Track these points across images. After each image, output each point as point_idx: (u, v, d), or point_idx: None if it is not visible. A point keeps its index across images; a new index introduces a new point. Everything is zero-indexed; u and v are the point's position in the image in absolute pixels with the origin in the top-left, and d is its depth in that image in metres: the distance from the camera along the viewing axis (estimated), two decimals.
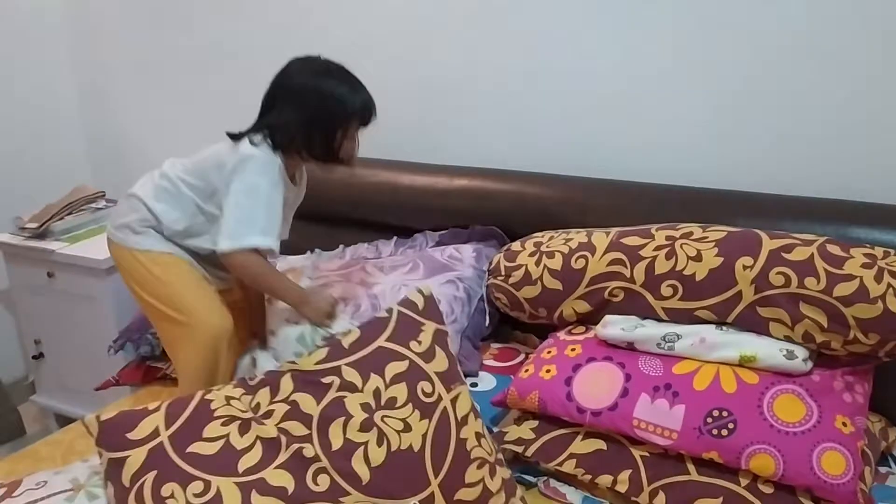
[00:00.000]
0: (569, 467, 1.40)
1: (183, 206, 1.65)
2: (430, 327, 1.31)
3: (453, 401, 1.26)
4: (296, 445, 1.16)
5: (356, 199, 2.18)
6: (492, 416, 1.61)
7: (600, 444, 1.41)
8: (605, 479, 1.36)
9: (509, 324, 1.93)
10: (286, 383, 1.22)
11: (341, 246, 2.20)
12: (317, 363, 1.23)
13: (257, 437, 1.17)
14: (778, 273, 1.41)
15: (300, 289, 1.65)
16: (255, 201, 1.55)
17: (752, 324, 1.45)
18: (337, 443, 1.17)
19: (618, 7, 1.87)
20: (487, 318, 1.87)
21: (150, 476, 1.12)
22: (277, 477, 1.13)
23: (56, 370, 2.58)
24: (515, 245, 1.80)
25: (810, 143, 1.74)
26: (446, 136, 2.19)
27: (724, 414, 1.31)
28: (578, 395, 1.44)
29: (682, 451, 1.33)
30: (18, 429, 2.62)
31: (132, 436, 1.16)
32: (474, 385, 1.70)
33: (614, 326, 1.52)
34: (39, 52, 2.77)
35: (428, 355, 1.28)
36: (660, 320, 1.54)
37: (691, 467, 1.33)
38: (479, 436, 1.27)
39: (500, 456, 1.33)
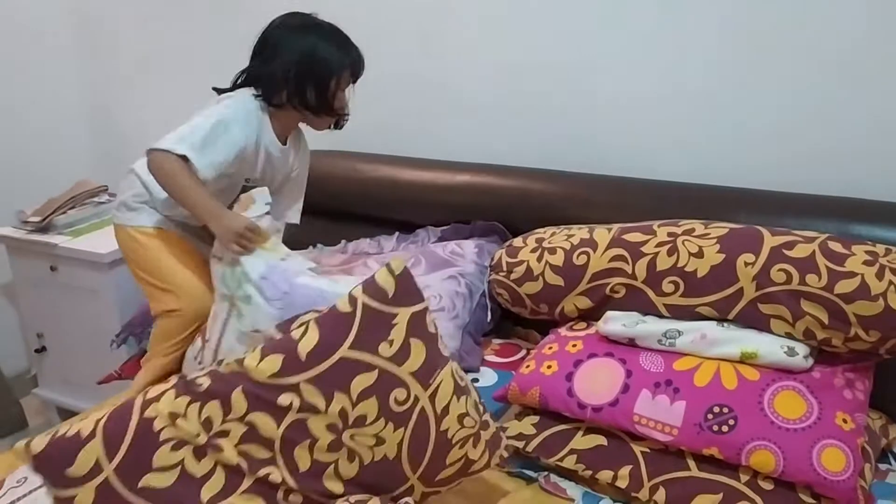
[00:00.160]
0: (569, 463, 1.40)
1: None
2: (403, 316, 1.14)
3: (432, 396, 1.15)
4: (261, 471, 1.08)
5: (358, 194, 2.18)
6: (493, 411, 1.61)
7: (601, 440, 1.41)
8: (605, 475, 1.37)
9: (511, 319, 1.93)
10: (238, 400, 1.08)
11: (343, 241, 2.20)
12: (270, 376, 1.09)
13: (217, 462, 1.07)
14: (779, 270, 1.41)
15: (215, 204, 1.54)
16: (203, 122, 1.52)
17: (753, 320, 1.45)
18: (304, 465, 1.09)
19: (620, 5, 1.87)
20: (489, 313, 1.88)
21: None
22: (246, 502, 1.07)
23: (58, 364, 2.59)
24: (517, 241, 1.81)
25: (812, 140, 1.74)
26: (448, 131, 2.20)
27: (725, 410, 1.31)
28: (579, 391, 1.44)
29: (683, 447, 1.33)
30: (20, 422, 2.63)
31: (73, 472, 1.05)
32: (476, 381, 1.70)
33: (615, 322, 1.53)
34: (43, 48, 2.78)
35: (401, 356, 1.13)
36: (661, 316, 1.54)
37: (692, 463, 1.33)
38: (462, 416, 1.19)
39: (487, 417, 1.28)
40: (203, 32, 2.55)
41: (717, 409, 1.32)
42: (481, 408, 1.27)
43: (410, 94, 2.22)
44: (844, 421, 1.28)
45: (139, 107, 2.81)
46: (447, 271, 1.88)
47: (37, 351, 2.60)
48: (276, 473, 1.08)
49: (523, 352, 1.82)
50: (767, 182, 1.75)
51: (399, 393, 1.12)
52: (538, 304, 1.72)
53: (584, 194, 1.89)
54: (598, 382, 1.44)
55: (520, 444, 1.45)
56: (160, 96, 2.73)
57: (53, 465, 1.05)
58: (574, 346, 1.55)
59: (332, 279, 1.58)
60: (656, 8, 1.83)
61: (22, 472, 1.34)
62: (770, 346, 1.39)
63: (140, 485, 1.04)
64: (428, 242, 2.06)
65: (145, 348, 1.99)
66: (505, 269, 1.76)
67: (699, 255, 1.50)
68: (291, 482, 1.08)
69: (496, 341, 1.89)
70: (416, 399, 1.13)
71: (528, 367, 1.56)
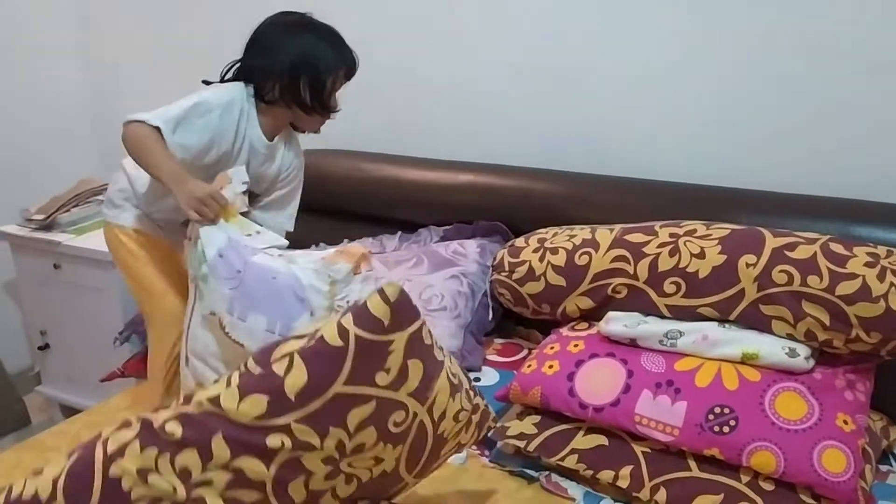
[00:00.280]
0: (570, 462, 1.40)
1: None
2: (400, 342, 1.02)
3: (430, 407, 1.09)
4: None
5: (361, 194, 2.18)
6: (494, 410, 1.61)
7: (602, 440, 1.42)
8: (606, 475, 1.37)
9: (512, 319, 1.93)
10: (220, 447, 0.95)
11: (345, 240, 2.20)
12: (255, 418, 0.96)
13: None
14: (781, 271, 1.41)
15: (180, 170, 1.46)
16: (184, 101, 1.50)
17: (754, 321, 1.45)
18: (300, 497, 1.01)
19: (624, 5, 1.87)
20: (491, 313, 1.88)
21: None
22: None
23: (62, 361, 2.60)
24: (519, 241, 1.81)
25: (814, 141, 1.74)
26: (451, 131, 2.20)
27: (726, 411, 1.32)
28: (581, 391, 1.45)
29: (684, 447, 1.34)
30: (24, 419, 2.64)
31: None
32: (477, 380, 1.70)
33: (617, 323, 1.53)
34: (47, 47, 2.78)
35: (399, 381, 1.02)
36: (662, 317, 1.55)
37: (692, 464, 1.33)
38: (457, 413, 1.15)
39: (477, 400, 1.23)
40: (205, 31, 2.55)
41: (718, 410, 1.32)
42: (471, 393, 1.22)
43: (414, 94, 2.22)
44: (845, 422, 1.29)
45: (142, 106, 2.81)
46: (449, 271, 1.89)
47: (40, 348, 2.61)
48: None
49: (525, 351, 1.82)
50: (769, 183, 1.75)
51: (398, 415, 1.04)
52: (540, 304, 1.73)
53: (586, 195, 1.89)
54: (599, 382, 1.45)
55: (521, 444, 1.46)
56: (163, 95, 2.73)
57: None
58: (576, 346, 1.56)
59: (290, 257, 1.51)
60: (661, 9, 1.83)
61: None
62: (771, 347, 1.40)
63: None
64: (430, 242, 2.07)
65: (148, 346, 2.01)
66: (507, 268, 1.76)
67: (701, 255, 1.50)
68: None
69: (498, 341, 1.90)
70: (415, 415, 1.07)
71: (529, 366, 1.56)
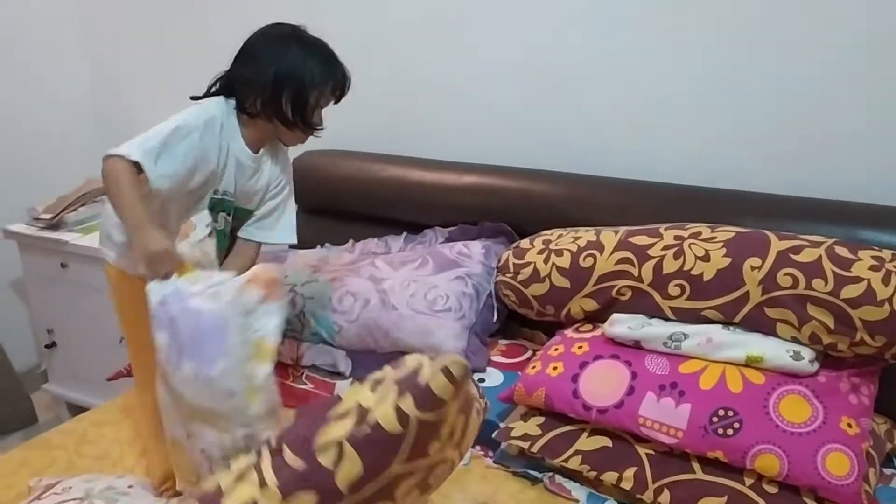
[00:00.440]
0: (574, 464, 1.41)
1: None
2: (454, 405, 0.93)
3: (465, 446, 1.04)
4: None
5: (366, 195, 2.19)
6: (498, 411, 1.62)
7: (606, 442, 1.42)
8: (610, 476, 1.37)
9: (517, 320, 1.94)
10: None
11: (350, 241, 2.21)
12: None
13: None
14: (786, 274, 1.41)
15: (143, 217, 1.38)
16: (163, 127, 1.44)
17: (759, 324, 1.45)
18: None
19: (627, 7, 1.87)
20: (495, 314, 1.88)
21: None
22: None
23: (68, 359, 2.61)
24: (524, 242, 1.81)
25: (819, 144, 1.74)
26: (456, 132, 2.20)
27: (730, 413, 1.32)
28: (585, 393, 1.45)
29: (688, 449, 1.34)
30: (30, 416, 2.65)
31: None
32: (482, 381, 1.71)
33: (621, 325, 1.53)
34: (53, 46, 2.80)
35: (450, 442, 0.97)
36: (667, 319, 1.55)
37: (696, 466, 1.33)
38: (475, 429, 1.09)
39: (481, 403, 1.16)
40: (208, 32, 2.56)
41: (722, 413, 1.33)
42: (481, 402, 1.15)
43: (418, 95, 2.23)
44: (849, 425, 1.29)
45: (148, 105, 2.82)
46: (454, 272, 1.89)
47: (47, 347, 2.62)
48: None
49: (529, 353, 1.83)
50: (774, 185, 1.75)
51: (441, 469, 0.99)
52: (544, 306, 1.73)
53: (591, 196, 1.89)
54: (603, 384, 1.45)
55: (525, 445, 1.46)
56: (168, 95, 2.74)
57: None
58: (580, 347, 1.56)
59: (217, 292, 1.34)
60: (662, 9, 1.83)
61: (70, 482, 1.37)
62: (776, 350, 1.40)
63: None
64: (435, 243, 2.07)
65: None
66: (512, 270, 1.77)
67: (706, 258, 1.50)
68: None
69: (502, 342, 1.90)
70: (454, 462, 1.02)
71: (533, 368, 1.57)
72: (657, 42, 1.86)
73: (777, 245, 1.46)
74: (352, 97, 2.31)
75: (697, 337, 1.45)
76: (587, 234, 1.71)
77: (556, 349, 1.59)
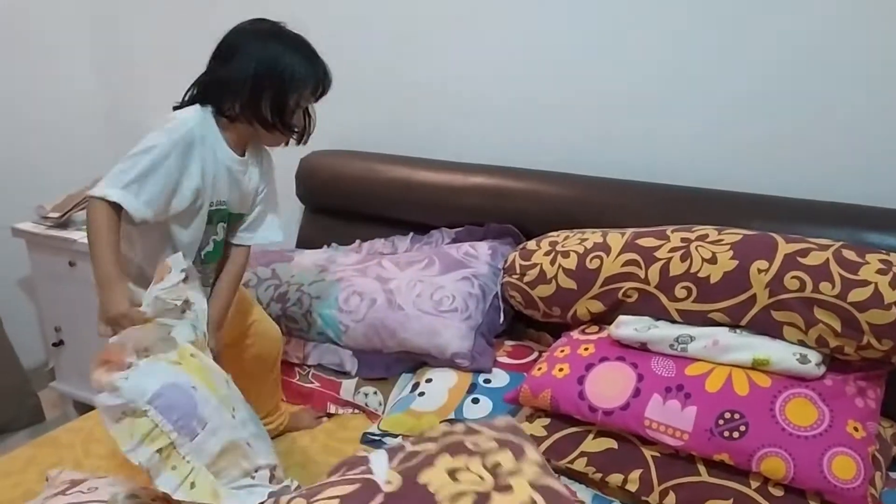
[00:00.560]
0: (580, 465, 1.41)
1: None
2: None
3: None
4: None
5: (373, 195, 2.19)
6: (504, 412, 1.62)
7: (611, 443, 1.42)
8: (615, 478, 1.38)
9: (523, 321, 1.94)
10: None
11: (357, 241, 2.22)
12: None
13: None
14: (793, 277, 1.41)
15: (113, 276, 1.34)
16: (141, 155, 1.37)
17: (765, 327, 1.45)
18: None
19: (634, 8, 1.87)
20: (502, 315, 1.88)
21: None
22: None
23: (76, 358, 2.62)
24: (531, 244, 1.82)
25: (828, 147, 1.73)
26: (462, 133, 2.20)
27: (736, 416, 1.32)
28: (591, 394, 1.45)
29: (693, 451, 1.34)
30: (38, 415, 2.67)
31: None
32: (488, 381, 1.71)
33: (627, 327, 1.53)
34: (62, 44, 2.81)
35: None
36: (673, 321, 1.55)
37: (702, 468, 1.34)
38: None
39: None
40: (218, 31, 2.56)
41: (728, 415, 1.33)
42: None
43: (426, 96, 2.23)
44: (855, 429, 1.29)
45: (156, 104, 2.83)
46: (461, 272, 1.89)
47: (54, 345, 2.63)
48: None
49: (535, 354, 1.83)
50: (782, 188, 1.75)
51: None
52: (551, 307, 1.73)
53: (597, 198, 1.89)
54: (609, 386, 1.45)
55: None
56: (177, 93, 2.75)
57: None
58: (586, 349, 1.56)
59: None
60: (672, 13, 1.83)
61: (95, 483, 1.37)
62: (782, 353, 1.39)
63: None
64: (442, 244, 2.07)
65: None
66: (518, 271, 1.77)
67: (712, 261, 1.50)
68: None
69: (508, 343, 1.90)
70: None
71: (539, 369, 1.57)
72: (666, 44, 1.85)
73: (784, 248, 1.46)
74: (359, 97, 2.33)
75: (704, 339, 1.45)
76: (594, 236, 1.71)
77: (563, 351, 1.59)
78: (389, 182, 2.16)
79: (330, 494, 1.05)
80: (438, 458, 1.08)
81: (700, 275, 1.51)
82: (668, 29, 1.84)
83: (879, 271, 1.36)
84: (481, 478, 1.02)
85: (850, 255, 1.41)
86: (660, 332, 1.50)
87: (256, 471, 1.33)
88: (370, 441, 1.67)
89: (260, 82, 1.44)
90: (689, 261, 1.53)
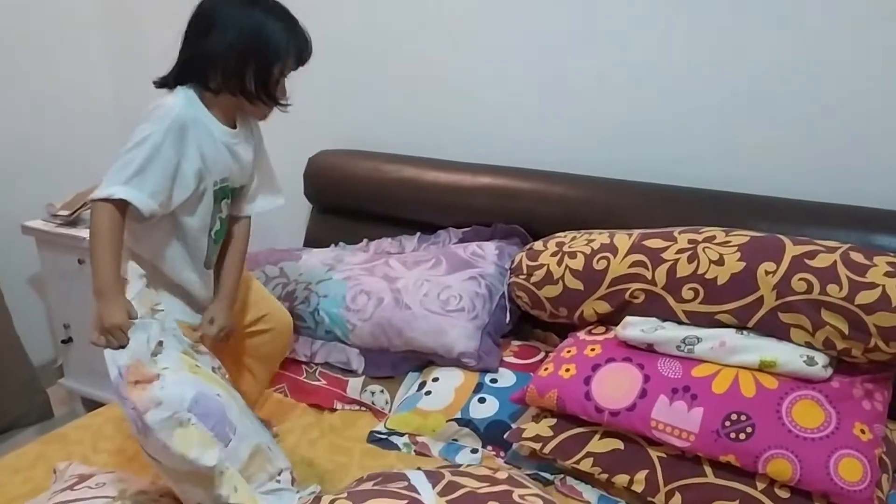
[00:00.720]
0: (586, 466, 1.41)
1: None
2: None
3: None
4: None
5: (380, 195, 2.20)
6: (510, 412, 1.63)
7: (618, 444, 1.42)
8: (621, 479, 1.38)
9: (530, 322, 1.94)
10: None
11: (365, 240, 2.22)
12: None
13: None
14: (800, 279, 1.41)
15: (111, 284, 1.35)
16: (135, 151, 1.35)
17: (772, 329, 1.45)
18: None
19: (641, 9, 1.87)
20: (508, 315, 1.89)
21: None
22: None
23: (84, 355, 2.63)
24: (538, 244, 1.82)
25: (835, 149, 1.73)
26: (470, 133, 2.21)
27: (743, 418, 1.32)
28: (597, 395, 1.45)
29: (700, 453, 1.34)
30: (47, 411, 2.68)
31: None
32: (494, 381, 1.71)
33: (634, 328, 1.53)
34: (74, 43, 2.82)
35: None
36: (680, 323, 1.55)
37: (708, 469, 1.34)
38: None
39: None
40: None
41: (734, 417, 1.33)
42: None
43: (433, 96, 2.23)
44: (862, 431, 1.29)
45: None
46: (468, 272, 1.90)
47: (63, 342, 2.64)
48: None
49: (542, 354, 1.83)
50: (790, 190, 1.75)
51: None
52: (557, 308, 1.74)
53: (605, 199, 1.89)
54: (615, 387, 1.45)
55: (536, 446, 1.47)
56: None
57: None
58: (592, 350, 1.56)
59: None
60: (679, 14, 1.83)
61: (104, 478, 1.38)
62: (789, 355, 1.39)
63: None
64: (449, 243, 2.08)
65: None
66: (525, 271, 1.77)
67: (720, 262, 1.50)
68: None
69: (515, 343, 1.90)
70: None
71: (546, 369, 1.57)
72: (675, 45, 1.85)
73: (792, 250, 1.46)
74: (367, 97, 2.34)
75: (711, 341, 1.45)
76: (601, 237, 1.71)
77: (569, 351, 1.59)
78: (397, 182, 2.16)
79: (377, 503, 1.05)
80: (489, 502, 1.09)
81: (707, 276, 1.51)
82: (677, 32, 1.84)
83: (887, 274, 1.36)
84: None
85: (857, 257, 1.41)
86: (666, 333, 1.50)
87: (279, 474, 1.34)
88: (376, 439, 1.67)
89: (243, 54, 1.40)
90: (696, 262, 1.53)
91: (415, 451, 1.63)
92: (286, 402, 1.86)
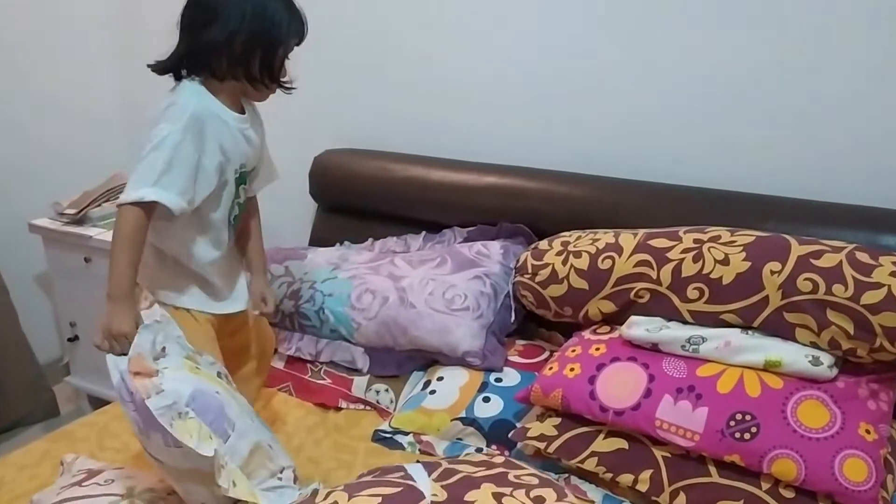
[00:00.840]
0: (590, 465, 1.41)
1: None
2: None
3: None
4: None
5: (386, 194, 2.20)
6: (515, 411, 1.63)
7: (622, 444, 1.42)
8: (626, 478, 1.38)
9: (534, 321, 1.94)
10: None
11: (370, 239, 2.23)
12: None
13: None
14: (806, 279, 1.41)
15: (125, 290, 1.36)
16: (159, 152, 1.36)
17: (778, 329, 1.45)
18: None
19: (651, 8, 1.87)
20: (513, 314, 1.89)
21: None
22: None
23: (90, 353, 2.62)
24: (543, 244, 1.82)
25: (841, 149, 1.73)
26: (476, 132, 2.21)
27: (748, 418, 1.32)
28: (602, 394, 1.45)
29: (704, 452, 1.34)
30: (53, 409, 2.69)
31: None
32: (499, 380, 1.72)
33: (639, 327, 1.53)
34: (81, 41, 2.83)
35: None
36: (685, 322, 1.55)
37: (713, 469, 1.34)
38: None
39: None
40: None
41: (739, 417, 1.33)
42: None
43: (439, 96, 2.23)
44: (867, 431, 1.28)
45: None
46: (473, 271, 1.90)
47: (70, 340, 2.65)
48: None
49: (546, 353, 1.83)
50: (795, 190, 1.75)
51: None
52: (562, 307, 1.74)
53: (610, 199, 1.89)
54: (620, 386, 1.45)
55: (541, 446, 1.47)
56: None
57: None
58: (597, 349, 1.56)
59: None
60: (686, 14, 1.83)
61: (112, 475, 1.38)
62: (794, 355, 1.39)
63: None
64: (454, 242, 2.08)
65: None
66: (530, 271, 1.77)
67: (725, 262, 1.50)
68: None
69: (520, 342, 1.90)
70: None
71: (551, 368, 1.57)
72: (681, 45, 1.85)
73: (797, 250, 1.46)
74: (372, 96, 2.34)
75: (716, 340, 1.45)
76: (606, 236, 1.71)
77: (574, 350, 1.59)
78: (402, 181, 2.17)
79: (372, 492, 1.06)
80: (483, 483, 1.10)
81: (712, 276, 1.50)
82: (683, 31, 1.84)
83: (893, 273, 1.36)
84: None
85: (863, 257, 1.40)
86: (671, 332, 1.50)
87: (282, 472, 1.35)
88: (381, 438, 1.68)
89: (248, 39, 1.40)
90: (701, 262, 1.53)
91: (419, 449, 1.64)
92: (291, 401, 1.86)
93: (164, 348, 1.36)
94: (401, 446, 1.65)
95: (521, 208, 2.00)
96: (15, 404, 2.58)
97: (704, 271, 1.52)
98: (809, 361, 1.37)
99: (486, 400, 1.66)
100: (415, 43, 2.24)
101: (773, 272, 1.44)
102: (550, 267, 1.73)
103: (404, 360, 1.88)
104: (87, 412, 2.39)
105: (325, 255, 2.12)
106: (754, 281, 1.46)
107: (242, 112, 1.52)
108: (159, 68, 1.48)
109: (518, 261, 1.85)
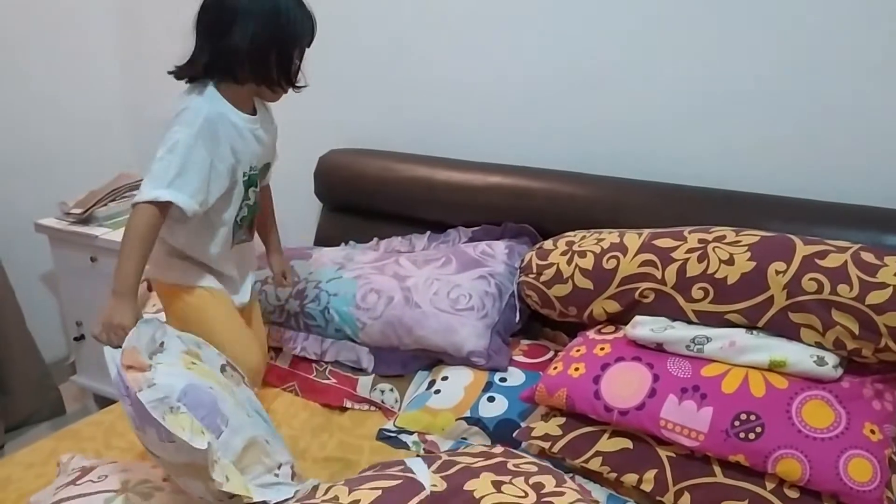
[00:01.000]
0: (595, 465, 1.42)
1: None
2: None
3: None
4: None
5: (391, 193, 2.20)
6: (519, 411, 1.63)
7: (627, 443, 1.42)
8: (630, 478, 1.38)
9: (539, 321, 1.94)
10: None
11: (375, 238, 2.23)
12: None
13: None
14: (811, 279, 1.41)
15: (129, 286, 1.40)
16: (173, 155, 1.41)
17: (783, 329, 1.44)
18: None
19: (654, 8, 1.87)
20: (518, 313, 1.89)
21: None
22: None
23: (97, 352, 2.62)
24: (547, 243, 1.82)
25: (846, 149, 1.73)
26: (481, 133, 2.21)
27: (752, 417, 1.32)
28: (606, 394, 1.45)
29: (709, 452, 1.34)
30: (59, 407, 2.70)
31: None
32: (503, 380, 1.72)
33: (644, 327, 1.53)
34: (87, 40, 2.84)
35: None
36: (690, 322, 1.55)
37: (717, 469, 1.34)
38: None
39: None
40: None
41: (744, 416, 1.33)
42: None
43: (443, 96, 2.24)
44: (872, 431, 1.28)
45: None
46: (477, 271, 1.90)
47: (76, 339, 2.66)
48: None
49: (551, 353, 1.83)
50: (800, 190, 1.75)
51: None
52: (567, 307, 1.74)
53: (615, 198, 1.89)
54: (625, 386, 1.45)
55: (546, 445, 1.47)
56: None
57: None
58: (602, 349, 1.56)
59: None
60: (689, 13, 1.82)
61: (106, 470, 1.39)
62: (799, 355, 1.39)
63: None
64: (459, 242, 2.08)
65: None
66: (535, 270, 1.77)
67: (730, 262, 1.50)
68: None
69: (524, 342, 1.91)
70: None
71: (555, 368, 1.57)
72: (686, 44, 1.85)
73: (802, 250, 1.45)
74: (377, 96, 2.35)
75: (720, 340, 1.45)
76: (610, 236, 1.71)
77: (578, 350, 1.60)
78: (407, 181, 2.17)
79: (372, 486, 1.07)
80: (482, 472, 1.11)
81: (717, 276, 1.50)
82: (688, 31, 1.84)
83: None
84: (525, 493, 1.05)
85: (868, 257, 1.40)
86: (676, 332, 1.50)
87: (279, 467, 1.35)
88: (386, 437, 1.68)
89: (266, 41, 1.44)
90: (706, 262, 1.53)
91: (424, 449, 1.64)
92: (297, 401, 1.86)
93: (162, 343, 1.37)
94: (405, 446, 1.66)
95: (525, 208, 2.00)
96: (21, 403, 2.59)
97: (709, 271, 1.52)
98: (814, 361, 1.37)
99: (491, 399, 1.66)
100: (419, 43, 2.24)
101: (778, 272, 1.44)
102: (555, 267, 1.73)
103: (409, 359, 1.88)
104: (93, 411, 2.40)
105: (330, 254, 2.12)
106: (759, 281, 1.46)
107: (254, 112, 1.55)
108: (183, 76, 1.51)
109: (523, 260, 1.85)
